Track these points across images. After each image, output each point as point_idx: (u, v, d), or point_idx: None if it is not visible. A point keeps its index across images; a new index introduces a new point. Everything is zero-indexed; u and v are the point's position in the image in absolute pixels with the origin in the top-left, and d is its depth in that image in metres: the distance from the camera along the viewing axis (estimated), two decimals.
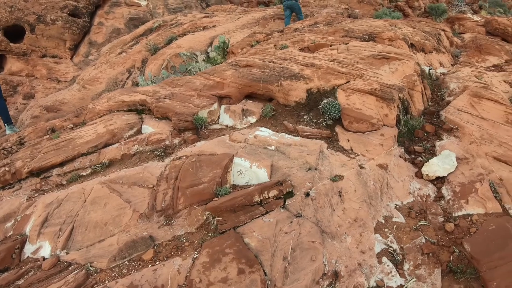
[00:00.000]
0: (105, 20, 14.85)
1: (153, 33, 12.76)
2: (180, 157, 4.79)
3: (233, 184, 4.44)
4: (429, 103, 6.61)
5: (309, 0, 16.30)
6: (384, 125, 5.48)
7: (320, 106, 5.63)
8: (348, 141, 5.25)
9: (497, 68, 9.02)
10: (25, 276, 3.81)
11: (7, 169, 5.42)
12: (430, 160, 5.16)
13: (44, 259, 3.99)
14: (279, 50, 7.36)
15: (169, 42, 11.40)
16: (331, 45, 7.66)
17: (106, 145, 5.51)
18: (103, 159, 5.28)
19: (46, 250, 4.09)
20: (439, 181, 5.01)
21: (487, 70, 8.48)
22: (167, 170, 4.58)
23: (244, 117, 5.84)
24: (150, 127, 5.76)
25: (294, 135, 5.30)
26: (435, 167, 5.03)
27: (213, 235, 3.81)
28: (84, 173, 5.19)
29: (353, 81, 5.91)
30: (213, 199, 4.08)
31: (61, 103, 10.75)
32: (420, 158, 5.35)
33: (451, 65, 9.17)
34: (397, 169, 5.07)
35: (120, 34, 14.36)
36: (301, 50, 7.68)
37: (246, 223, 3.85)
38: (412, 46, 8.45)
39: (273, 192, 4.09)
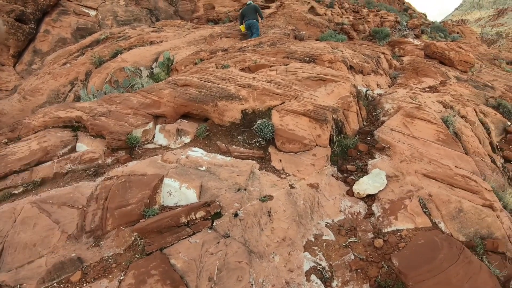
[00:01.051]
0: (51, 28, 14.43)
1: (99, 45, 12.53)
2: (111, 177, 4.78)
3: (163, 205, 4.47)
4: (364, 123, 6.89)
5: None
6: (316, 145, 5.68)
7: (254, 127, 5.77)
8: (280, 161, 5.40)
9: (432, 89, 9.54)
10: None
11: None
12: (361, 179, 5.39)
13: None
14: (219, 70, 7.47)
15: (115, 55, 11.23)
16: (271, 66, 7.85)
17: (39, 162, 5.38)
18: (36, 177, 5.16)
19: None
20: (370, 198, 5.24)
21: (422, 91, 8.95)
22: (98, 190, 4.56)
23: (179, 137, 5.87)
24: (85, 145, 5.69)
25: (226, 156, 5.40)
26: (365, 185, 5.26)
27: (140, 257, 3.83)
28: (16, 191, 5.05)
29: (288, 102, 6.10)
30: (141, 220, 4.10)
31: (0, 113, 10.36)
32: (352, 177, 5.57)
33: (388, 86, 9.60)
34: (329, 188, 5.26)
35: (66, 44, 13.98)
36: (242, 70, 7.82)
37: (173, 244, 3.89)
38: (351, 68, 8.78)
39: (201, 213, 4.16)
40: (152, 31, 13.05)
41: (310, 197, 4.93)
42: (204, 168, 4.99)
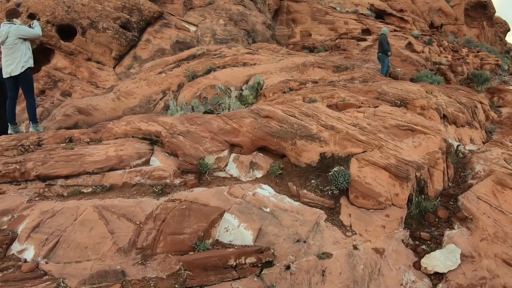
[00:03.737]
0: (153, 38, 15.27)
1: (195, 59, 12.94)
2: (175, 200, 4.78)
3: (217, 240, 4.38)
4: (450, 184, 6.21)
5: (352, 53, 16.29)
6: (392, 204, 5.21)
7: (330, 173, 5.44)
8: (350, 216, 5.04)
9: None
10: (4, 272, 3.95)
11: (18, 167, 5.61)
12: (432, 253, 4.78)
13: (25, 261, 4.13)
14: (305, 104, 7.25)
15: (208, 72, 11.53)
16: (359, 106, 7.46)
17: (112, 169, 5.56)
18: (105, 182, 5.36)
19: (29, 254, 4.23)
20: (437, 277, 4.62)
21: None
22: (158, 210, 4.58)
23: (251, 170, 5.73)
24: (158, 161, 5.79)
25: (295, 200, 5.15)
26: (436, 261, 4.66)
27: (179, 287, 3.77)
28: (85, 191, 5.31)
29: (370, 152, 5.68)
30: (189, 253, 4.06)
31: (94, 108, 11.03)
32: (423, 246, 5.02)
33: (482, 142, 8.72)
34: (395, 256, 4.76)
35: (164, 55, 14.64)
36: (329, 106, 7.52)
37: (215, 284, 3.80)
38: (444, 117, 8.11)
39: (251, 259, 3.99)
40: (247, 53, 13.27)
41: (372, 263, 4.50)
42: (268, 209, 4.81)
